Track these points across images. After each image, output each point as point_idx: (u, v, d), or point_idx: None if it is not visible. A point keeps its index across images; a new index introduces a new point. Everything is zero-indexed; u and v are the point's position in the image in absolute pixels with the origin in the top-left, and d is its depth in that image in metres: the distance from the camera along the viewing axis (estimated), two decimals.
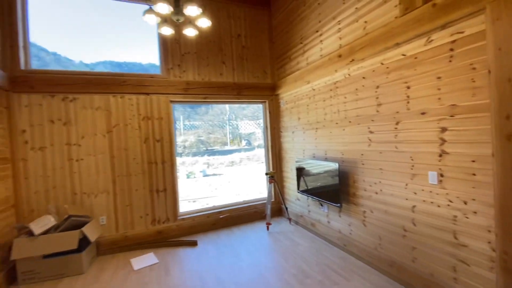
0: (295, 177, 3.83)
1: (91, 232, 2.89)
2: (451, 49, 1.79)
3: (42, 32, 3.25)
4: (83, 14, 3.78)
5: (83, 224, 2.92)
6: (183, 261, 2.92)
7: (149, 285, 2.47)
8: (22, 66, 3.00)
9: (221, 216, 3.91)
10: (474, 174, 1.71)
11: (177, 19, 2.29)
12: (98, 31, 4.24)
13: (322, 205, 3.29)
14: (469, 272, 1.77)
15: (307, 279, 2.40)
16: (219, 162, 13.01)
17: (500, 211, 1.55)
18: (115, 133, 3.34)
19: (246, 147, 17.22)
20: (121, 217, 3.35)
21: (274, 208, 4.28)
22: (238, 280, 2.46)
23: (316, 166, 3.17)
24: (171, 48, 3.63)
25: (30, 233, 2.69)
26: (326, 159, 3.18)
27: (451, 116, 1.82)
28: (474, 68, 1.68)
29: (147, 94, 3.49)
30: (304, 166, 3.43)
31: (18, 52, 2.97)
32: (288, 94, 3.94)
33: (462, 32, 1.72)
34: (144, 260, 2.98)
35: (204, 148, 19.29)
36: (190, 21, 2.53)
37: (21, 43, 3.01)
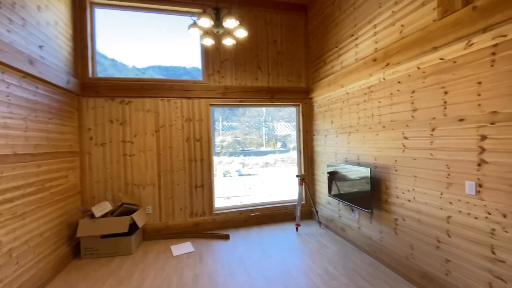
0: (326, 181, 3.84)
1: (139, 219, 3.31)
2: (493, 53, 1.71)
3: (103, 41, 3.80)
4: (138, 25, 4.30)
5: (133, 211, 3.36)
6: (216, 252, 3.17)
7: (185, 270, 2.75)
8: (90, 74, 3.56)
9: (252, 214, 4.09)
10: None
11: (217, 31, 2.53)
12: (149, 40, 4.76)
13: (353, 210, 3.26)
14: None
15: (333, 281, 2.44)
16: (254, 162, 13.30)
17: None
18: (161, 132, 3.75)
19: (281, 149, 17.30)
20: (164, 208, 3.75)
21: (305, 211, 4.33)
22: (265, 274, 2.60)
23: (348, 171, 3.17)
24: (211, 56, 3.94)
25: (92, 216, 3.19)
26: (358, 164, 3.15)
27: (492, 124, 1.73)
28: None
29: (190, 98, 3.84)
30: (336, 170, 3.43)
31: (87, 63, 3.54)
32: (322, 97, 3.97)
33: (504, 36, 1.63)
34: (182, 248, 3.30)
35: (241, 149, 19.85)
36: (229, 32, 2.76)
37: (89, 55, 3.57)
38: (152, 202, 3.71)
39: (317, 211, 4.06)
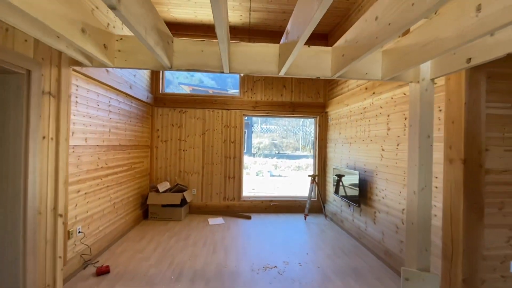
0: (333, 182, 4.65)
1: (187, 196, 4.58)
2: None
3: None
4: None
5: (184, 190, 4.65)
6: (240, 225, 4.26)
7: (217, 233, 3.89)
8: (160, 91, 4.98)
9: (272, 203, 5.10)
10: (436, 187, 2.35)
11: None
12: None
13: (349, 206, 4.05)
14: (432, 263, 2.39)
15: (319, 251, 3.32)
16: (287, 165, 14.15)
17: (444, 218, 2.19)
18: (206, 135, 5.00)
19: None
20: (204, 191, 4.98)
21: (316, 206, 5.17)
22: (271, 241, 3.60)
23: (346, 173, 3.97)
24: (246, 78, 5.07)
25: (157, 190, 4.55)
26: (354, 168, 3.94)
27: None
28: (440, 110, 2.33)
29: (228, 109, 5.02)
30: (340, 173, 4.25)
31: (159, 82, 4.96)
32: (334, 112, 4.79)
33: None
34: (215, 220, 4.47)
35: (276, 151, 20.77)
36: None
37: (160, 77, 4.99)
38: (196, 186, 4.97)
39: (324, 206, 4.88)
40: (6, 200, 1.34)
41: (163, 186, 4.56)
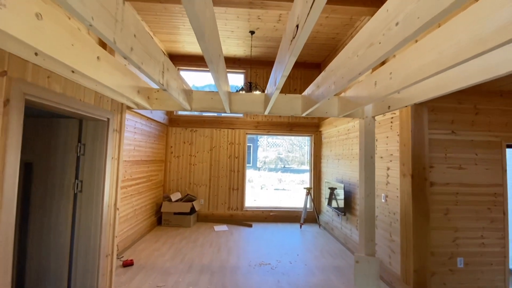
0: (325, 194, 5.19)
1: (196, 205, 5.20)
2: (391, 122, 3.08)
3: None
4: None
5: (193, 200, 5.28)
6: (241, 232, 4.82)
7: (221, 237, 4.47)
8: (175, 113, 5.75)
9: (271, 213, 5.65)
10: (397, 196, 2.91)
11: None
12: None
13: (338, 215, 4.58)
14: (395, 257, 2.92)
15: (308, 252, 3.85)
16: (290, 179, 14.63)
17: (401, 221, 2.74)
18: (213, 151, 5.68)
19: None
20: (211, 201, 5.60)
21: (311, 216, 5.69)
22: (268, 244, 4.14)
23: (335, 186, 4.54)
24: None
25: (169, 200, 5.20)
26: (341, 182, 4.50)
27: (390, 161, 3.06)
28: (398, 135, 2.93)
29: (233, 128, 5.72)
30: (331, 186, 4.81)
31: None
32: (326, 131, 5.42)
33: (394, 113, 3.01)
34: (221, 227, 5.05)
35: (282, 165, 21.23)
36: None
37: None
38: (204, 196, 5.60)
39: (318, 217, 5.40)
40: (93, 198, 2.06)
41: (175, 196, 5.21)
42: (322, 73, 1.87)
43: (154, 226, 5.00)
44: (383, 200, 3.19)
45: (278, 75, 1.41)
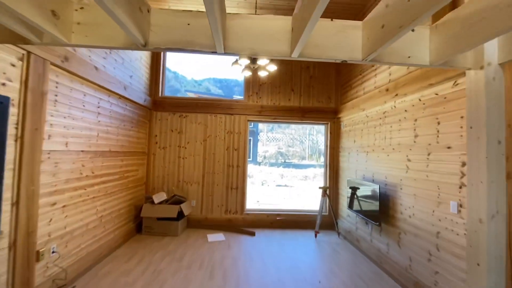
0: (347, 195, 4.17)
1: (185, 208, 4.16)
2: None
3: (168, 58, 4.89)
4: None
5: (181, 202, 4.23)
6: (242, 243, 3.80)
7: (216, 252, 3.44)
8: (160, 94, 4.66)
9: (278, 218, 4.63)
10: None
11: (253, 67, 3.26)
12: (206, 56, 5.80)
13: (367, 223, 3.56)
14: None
15: (334, 278, 2.83)
16: (293, 175, 13.62)
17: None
18: (208, 141, 4.62)
19: (323, 163, 17.19)
20: (205, 203, 4.56)
21: (327, 222, 4.67)
22: (278, 265, 3.12)
23: (363, 186, 3.51)
24: (252, 81, 4.71)
25: (152, 202, 4.15)
26: (373, 181, 3.47)
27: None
28: None
29: (232, 114, 4.65)
30: (355, 185, 3.78)
31: (158, 86, 4.64)
32: (347, 118, 4.36)
33: None
34: (215, 237, 4.02)
35: (282, 160, 20.28)
36: (262, 66, 3.47)
37: (160, 80, 4.68)
38: (196, 197, 4.56)
39: (337, 223, 4.39)
40: None
41: (158, 197, 4.16)
42: None
43: (132, 234, 3.97)
44: (452, 211, 2.16)
45: None
